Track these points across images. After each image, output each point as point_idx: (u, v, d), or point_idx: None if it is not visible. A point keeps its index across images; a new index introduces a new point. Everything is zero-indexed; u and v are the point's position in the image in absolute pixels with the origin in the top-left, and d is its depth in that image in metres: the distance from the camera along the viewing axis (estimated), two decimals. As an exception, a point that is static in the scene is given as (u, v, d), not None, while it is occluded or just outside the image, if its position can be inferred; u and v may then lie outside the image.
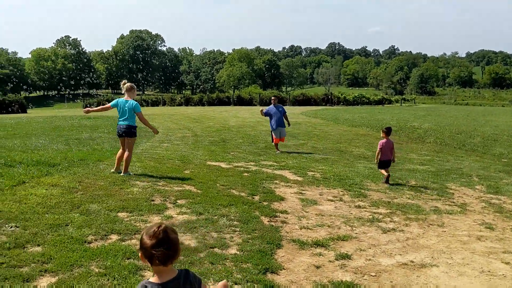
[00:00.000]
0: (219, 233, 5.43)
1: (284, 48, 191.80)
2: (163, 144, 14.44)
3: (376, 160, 9.34)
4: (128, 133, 8.70)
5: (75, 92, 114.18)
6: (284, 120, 13.65)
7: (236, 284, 4.11)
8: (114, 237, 5.12)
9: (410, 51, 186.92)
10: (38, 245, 4.68)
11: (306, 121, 26.76)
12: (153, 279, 2.26)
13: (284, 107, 14.27)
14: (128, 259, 4.48)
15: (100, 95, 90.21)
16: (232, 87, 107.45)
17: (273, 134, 13.68)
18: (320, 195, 7.86)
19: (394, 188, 8.71)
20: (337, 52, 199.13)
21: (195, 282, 2.35)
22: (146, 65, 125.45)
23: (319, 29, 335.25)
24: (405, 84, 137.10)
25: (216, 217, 6.09)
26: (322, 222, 6.24)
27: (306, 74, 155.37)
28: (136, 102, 8.71)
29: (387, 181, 9.00)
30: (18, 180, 7.55)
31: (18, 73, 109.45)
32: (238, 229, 5.62)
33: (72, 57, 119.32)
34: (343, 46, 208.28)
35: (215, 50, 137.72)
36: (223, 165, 10.62)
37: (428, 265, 4.83)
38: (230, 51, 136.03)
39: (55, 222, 5.44)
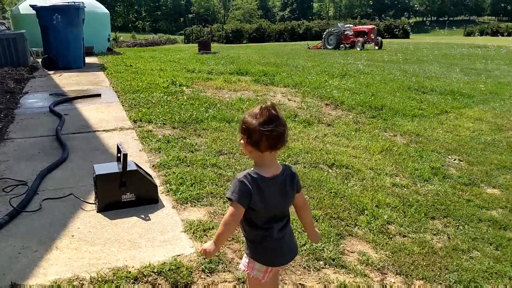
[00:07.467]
0: None
1: None
2: None
3: None
4: None
5: (454, 19, 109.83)
6: None
7: None
8: None
9: None
10: (493, 187, 4.22)
11: None
12: (258, 171, 1.72)
13: None
14: None
15: (483, 22, 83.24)
16: None
17: None
18: None
19: None
20: None
21: (298, 186, 1.82)
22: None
23: None
24: None
25: None
26: None
27: None
28: None
29: None
30: (440, 109, 7.38)
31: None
32: None
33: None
34: None
35: None
36: None
37: None
38: None
39: (500, 163, 4.86)
